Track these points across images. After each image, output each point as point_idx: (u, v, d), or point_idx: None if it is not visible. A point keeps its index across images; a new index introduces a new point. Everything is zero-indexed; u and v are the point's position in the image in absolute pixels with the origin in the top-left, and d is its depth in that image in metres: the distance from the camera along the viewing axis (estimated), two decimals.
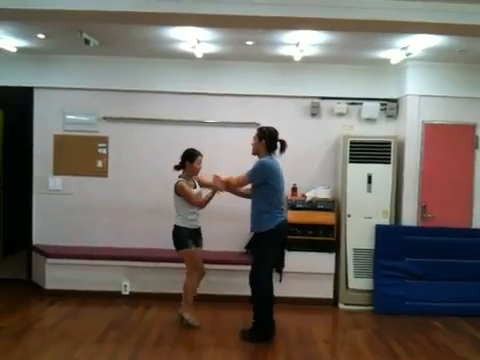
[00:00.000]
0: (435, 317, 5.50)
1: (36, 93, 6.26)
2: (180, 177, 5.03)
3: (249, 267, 4.86)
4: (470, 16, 3.93)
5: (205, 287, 5.28)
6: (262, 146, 4.75)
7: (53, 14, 4.10)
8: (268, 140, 4.74)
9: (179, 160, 5.08)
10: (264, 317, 4.75)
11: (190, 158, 5.02)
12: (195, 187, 5.07)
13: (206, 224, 5.23)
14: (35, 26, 4.91)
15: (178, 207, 5.02)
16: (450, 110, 5.86)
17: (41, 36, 5.24)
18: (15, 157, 7.04)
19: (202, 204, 4.99)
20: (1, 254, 7.26)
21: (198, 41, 5.14)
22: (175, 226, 5.02)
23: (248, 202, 4.87)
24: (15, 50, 5.66)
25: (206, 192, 5.05)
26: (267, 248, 4.71)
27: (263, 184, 4.68)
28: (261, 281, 4.72)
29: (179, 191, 4.95)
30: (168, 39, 5.17)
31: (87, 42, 5.04)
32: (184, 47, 5.40)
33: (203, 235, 5.19)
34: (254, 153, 4.84)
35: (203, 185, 5.14)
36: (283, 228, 4.78)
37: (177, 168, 5.07)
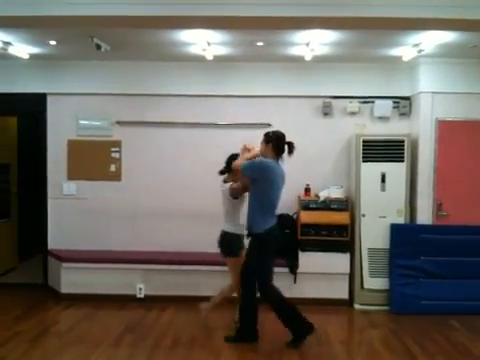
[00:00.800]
0: (452, 316, 5.44)
1: (49, 99, 6.33)
2: (225, 181, 4.91)
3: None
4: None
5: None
6: (269, 150, 4.65)
7: (65, 20, 4.13)
8: (275, 143, 4.64)
9: (220, 165, 4.97)
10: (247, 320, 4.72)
11: None
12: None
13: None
14: (47, 33, 4.96)
15: (233, 212, 4.87)
16: (463, 106, 5.80)
17: (53, 42, 5.29)
18: (30, 163, 7.11)
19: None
20: (17, 259, 7.33)
21: (208, 43, 5.15)
22: (227, 233, 4.86)
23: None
24: (28, 57, 5.71)
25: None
26: (261, 256, 4.60)
27: (255, 185, 4.56)
28: (266, 291, 4.62)
29: (235, 192, 4.79)
30: (178, 42, 5.19)
31: (98, 47, 5.08)
32: (194, 50, 5.42)
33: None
34: None
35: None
36: (274, 234, 4.67)
37: (222, 173, 4.99)
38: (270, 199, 4.62)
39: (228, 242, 4.88)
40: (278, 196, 4.68)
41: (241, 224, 4.88)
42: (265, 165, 4.58)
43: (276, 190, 4.63)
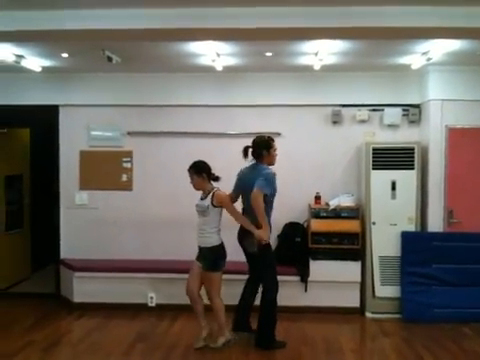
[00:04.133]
0: (465, 324, 5.41)
1: (61, 111, 6.41)
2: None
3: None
4: None
5: (232, 298, 5.23)
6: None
7: (76, 34, 4.21)
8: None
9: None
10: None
11: None
12: (202, 199, 4.93)
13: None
14: (59, 46, 5.03)
15: (217, 221, 4.87)
16: (473, 113, 5.79)
17: (65, 55, 5.37)
18: (42, 173, 7.20)
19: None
20: (30, 269, 7.39)
21: (218, 54, 5.19)
22: (218, 245, 4.83)
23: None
24: (40, 70, 5.79)
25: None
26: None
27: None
28: None
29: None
30: (188, 54, 5.24)
31: (110, 59, 5.14)
32: (204, 61, 5.46)
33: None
34: None
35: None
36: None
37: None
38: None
39: (217, 254, 4.85)
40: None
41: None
42: None
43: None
